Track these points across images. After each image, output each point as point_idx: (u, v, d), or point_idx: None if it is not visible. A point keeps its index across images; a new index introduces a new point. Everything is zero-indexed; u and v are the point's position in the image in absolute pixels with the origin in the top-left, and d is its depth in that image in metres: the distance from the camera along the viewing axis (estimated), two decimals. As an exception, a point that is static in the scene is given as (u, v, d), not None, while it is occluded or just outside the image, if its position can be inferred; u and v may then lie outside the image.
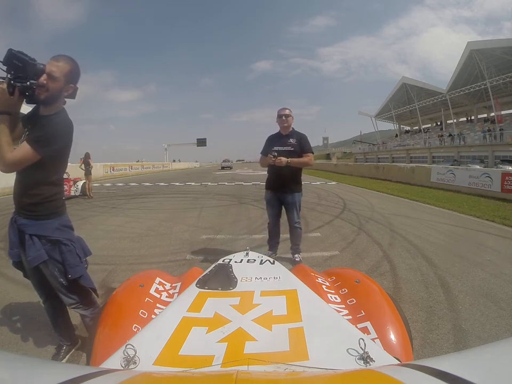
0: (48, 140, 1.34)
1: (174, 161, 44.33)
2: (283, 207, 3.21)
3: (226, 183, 14.12)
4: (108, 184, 14.51)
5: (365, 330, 1.01)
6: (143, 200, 8.59)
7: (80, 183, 9.53)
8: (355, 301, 1.21)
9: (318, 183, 13.41)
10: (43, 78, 1.29)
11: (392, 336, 1.01)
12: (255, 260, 1.42)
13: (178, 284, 1.39)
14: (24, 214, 1.43)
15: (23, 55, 1.25)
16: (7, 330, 2.00)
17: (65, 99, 1.47)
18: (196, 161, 63.37)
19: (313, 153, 3.12)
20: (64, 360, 1.67)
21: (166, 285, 1.38)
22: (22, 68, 1.25)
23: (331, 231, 4.69)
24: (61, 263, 1.45)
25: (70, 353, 1.72)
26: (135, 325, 1.04)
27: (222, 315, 0.93)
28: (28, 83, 1.28)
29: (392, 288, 2.58)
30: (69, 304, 1.59)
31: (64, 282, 1.48)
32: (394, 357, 0.79)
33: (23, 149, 1.31)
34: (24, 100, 1.36)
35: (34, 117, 1.42)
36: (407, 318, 1.23)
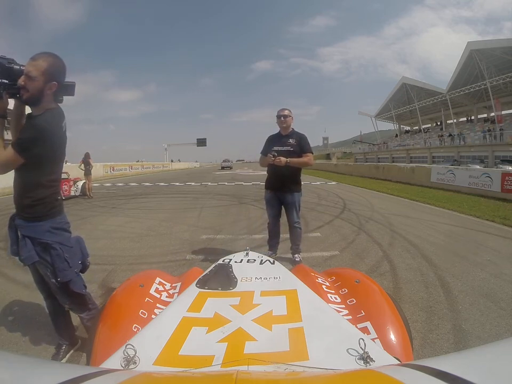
0: (28, 143, 1.30)
1: (172, 161, 44.25)
2: (283, 207, 3.21)
3: (226, 183, 14.12)
4: (107, 184, 14.51)
5: (365, 330, 1.01)
6: (143, 200, 8.59)
7: (80, 183, 9.54)
8: (355, 301, 1.21)
9: (318, 183, 13.41)
10: (21, 79, 1.28)
11: (392, 336, 1.01)
12: (255, 260, 1.42)
13: (178, 284, 1.39)
14: (20, 214, 1.44)
15: (1, 59, 1.27)
16: (7, 330, 2.00)
17: (63, 96, 1.46)
18: (196, 161, 63.40)
19: (312, 154, 3.12)
20: (64, 360, 1.67)
21: (166, 285, 1.38)
22: (1, 71, 1.28)
23: (331, 231, 4.69)
24: (51, 265, 1.45)
25: (70, 353, 1.73)
26: (135, 325, 1.04)
27: (222, 315, 0.93)
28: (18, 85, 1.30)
29: (392, 288, 2.58)
30: (64, 305, 1.59)
31: (56, 283, 1.48)
32: (394, 357, 0.79)
33: (8, 152, 1.30)
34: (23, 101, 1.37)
35: (26, 119, 1.43)
36: (407, 318, 1.23)
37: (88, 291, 1.68)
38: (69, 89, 1.45)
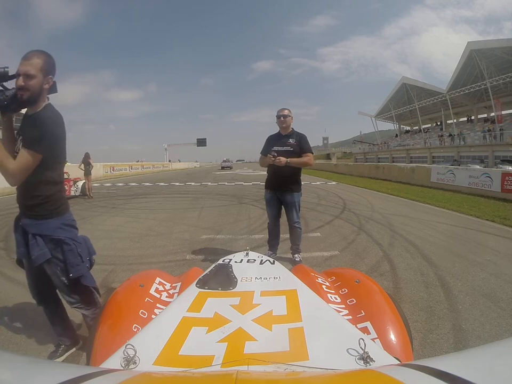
0: (43, 136, 1.33)
1: (169, 161, 44.24)
2: (283, 207, 3.21)
3: (226, 183, 14.12)
4: (108, 184, 14.52)
5: (365, 330, 1.01)
6: (143, 200, 8.59)
7: (80, 183, 9.55)
8: (355, 301, 1.20)
9: (318, 183, 13.41)
10: (20, 80, 1.30)
11: (392, 336, 1.01)
12: (255, 260, 1.42)
13: (178, 284, 1.39)
14: (27, 214, 1.45)
15: None
16: (7, 330, 2.00)
17: (48, 95, 1.47)
18: (196, 161, 63.45)
19: (312, 153, 3.12)
20: (62, 358, 1.68)
21: (166, 285, 1.38)
22: None
23: (331, 231, 4.69)
24: (63, 262, 1.46)
25: (70, 352, 1.72)
26: (135, 325, 1.04)
27: (222, 315, 0.93)
28: (7, 95, 1.30)
29: (392, 288, 2.58)
30: (70, 304, 1.59)
31: (66, 281, 1.49)
32: (394, 357, 0.79)
33: (23, 155, 1.30)
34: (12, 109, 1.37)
35: (23, 121, 1.43)
36: (407, 318, 1.23)
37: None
38: (52, 86, 1.48)
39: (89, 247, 1.63)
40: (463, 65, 28.38)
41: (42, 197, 1.41)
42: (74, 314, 1.78)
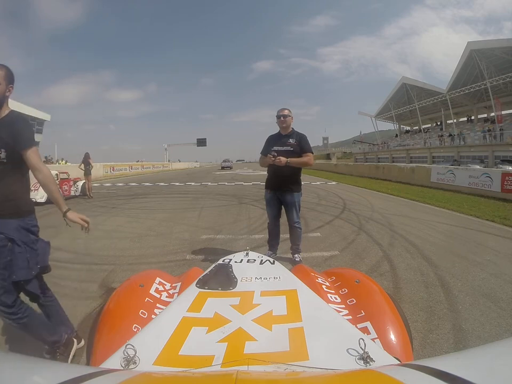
0: (30, 132, 1.52)
1: (169, 161, 44.21)
2: (283, 207, 3.21)
3: (226, 183, 14.12)
4: (108, 184, 14.51)
5: (365, 330, 1.01)
6: (143, 200, 8.59)
7: (80, 183, 9.56)
8: (355, 301, 1.20)
9: (318, 183, 13.42)
10: None
11: (392, 336, 1.01)
12: (255, 260, 1.42)
13: (178, 284, 1.39)
14: None
15: None
16: (7, 330, 1.99)
17: None
18: (196, 161, 63.42)
19: (313, 153, 3.12)
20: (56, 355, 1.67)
21: (166, 285, 1.38)
22: None
23: (331, 231, 4.69)
24: (8, 262, 1.43)
25: (73, 350, 1.72)
26: (135, 325, 1.04)
27: (222, 315, 0.93)
28: None
29: (392, 288, 2.58)
30: None
31: (5, 284, 1.42)
32: (394, 357, 0.79)
33: (32, 155, 1.45)
34: None
35: None
36: (407, 318, 1.23)
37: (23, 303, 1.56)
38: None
39: (44, 255, 1.60)
40: (463, 65, 28.37)
41: (5, 195, 1.44)
42: (72, 314, 1.77)
